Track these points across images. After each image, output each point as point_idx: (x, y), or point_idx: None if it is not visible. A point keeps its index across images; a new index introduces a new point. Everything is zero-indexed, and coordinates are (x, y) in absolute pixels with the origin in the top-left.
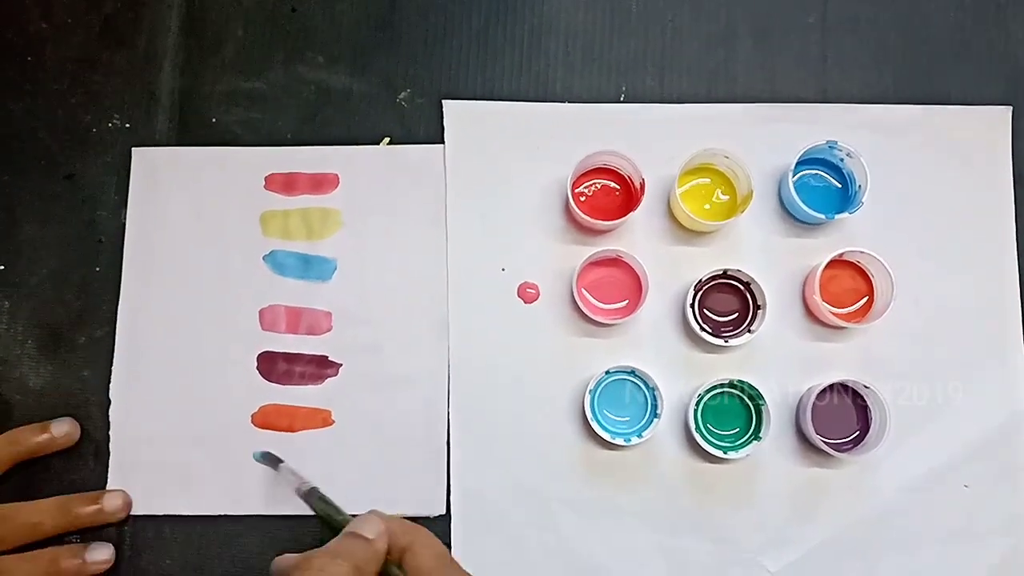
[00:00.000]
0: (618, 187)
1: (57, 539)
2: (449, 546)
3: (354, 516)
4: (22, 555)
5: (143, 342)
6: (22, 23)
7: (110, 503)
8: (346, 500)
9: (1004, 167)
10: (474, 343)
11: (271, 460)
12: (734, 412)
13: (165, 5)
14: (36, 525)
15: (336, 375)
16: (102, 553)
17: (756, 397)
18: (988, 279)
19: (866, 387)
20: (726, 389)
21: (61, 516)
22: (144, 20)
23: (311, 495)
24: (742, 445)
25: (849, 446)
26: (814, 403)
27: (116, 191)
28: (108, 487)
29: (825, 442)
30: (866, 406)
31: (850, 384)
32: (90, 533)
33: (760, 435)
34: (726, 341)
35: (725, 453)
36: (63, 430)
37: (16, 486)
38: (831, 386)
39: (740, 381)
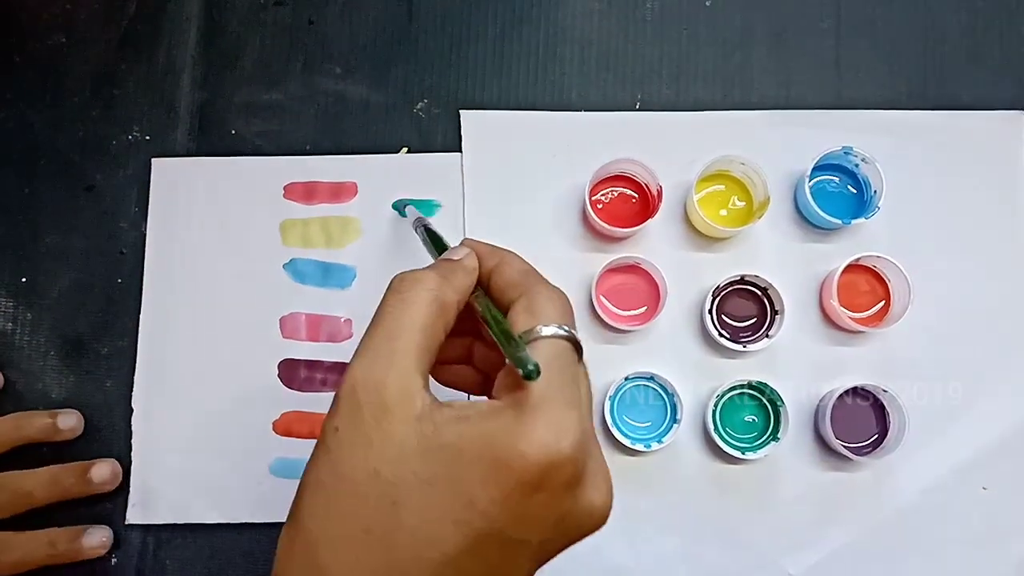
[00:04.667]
0: (635, 194)
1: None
2: None
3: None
4: (23, 534)
5: (164, 352)
6: (42, 37)
7: (98, 473)
8: None
9: (1017, 170)
10: None
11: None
12: (752, 414)
13: (184, 18)
14: (28, 494)
15: None
16: (98, 537)
17: (775, 399)
18: (1005, 281)
19: (884, 390)
20: (744, 390)
21: (52, 486)
22: (163, 33)
23: (418, 224)
24: (760, 446)
25: (868, 449)
26: (833, 407)
27: (136, 203)
28: (130, 496)
29: (845, 446)
30: (885, 409)
31: (869, 388)
32: (116, 543)
33: (778, 436)
34: (744, 346)
35: (743, 454)
36: (69, 424)
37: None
38: (850, 390)
39: (759, 382)
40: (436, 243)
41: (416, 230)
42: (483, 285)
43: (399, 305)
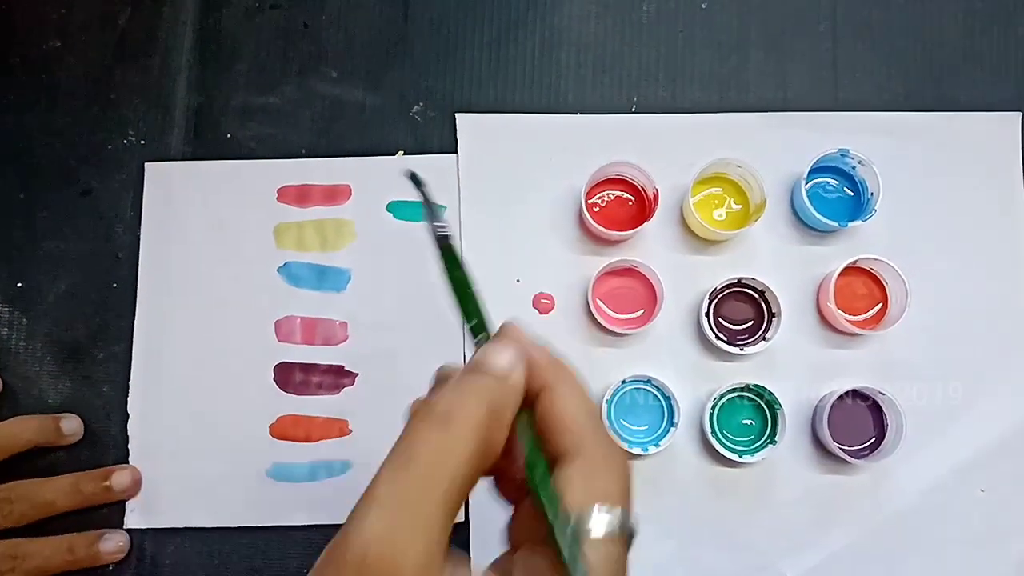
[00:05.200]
0: (631, 197)
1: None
2: (468, 555)
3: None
4: (42, 540)
5: (160, 356)
6: (37, 41)
7: (118, 481)
8: None
9: (1014, 172)
10: None
11: (415, 180)
12: (750, 416)
13: (179, 22)
14: (50, 504)
15: (352, 385)
16: (115, 542)
17: (772, 401)
18: (1002, 283)
19: (882, 393)
20: (742, 393)
21: (74, 495)
22: (158, 37)
23: (440, 231)
24: (757, 449)
25: (866, 452)
26: (830, 410)
27: (132, 207)
28: (127, 501)
29: (842, 448)
30: (882, 412)
31: (866, 391)
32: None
33: (775, 439)
34: (741, 349)
35: (740, 457)
36: (72, 428)
37: None
38: (847, 392)
39: (756, 385)
40: (457, 282)
41: (435, 237)
42: (529, 398)
43: (442, 445)
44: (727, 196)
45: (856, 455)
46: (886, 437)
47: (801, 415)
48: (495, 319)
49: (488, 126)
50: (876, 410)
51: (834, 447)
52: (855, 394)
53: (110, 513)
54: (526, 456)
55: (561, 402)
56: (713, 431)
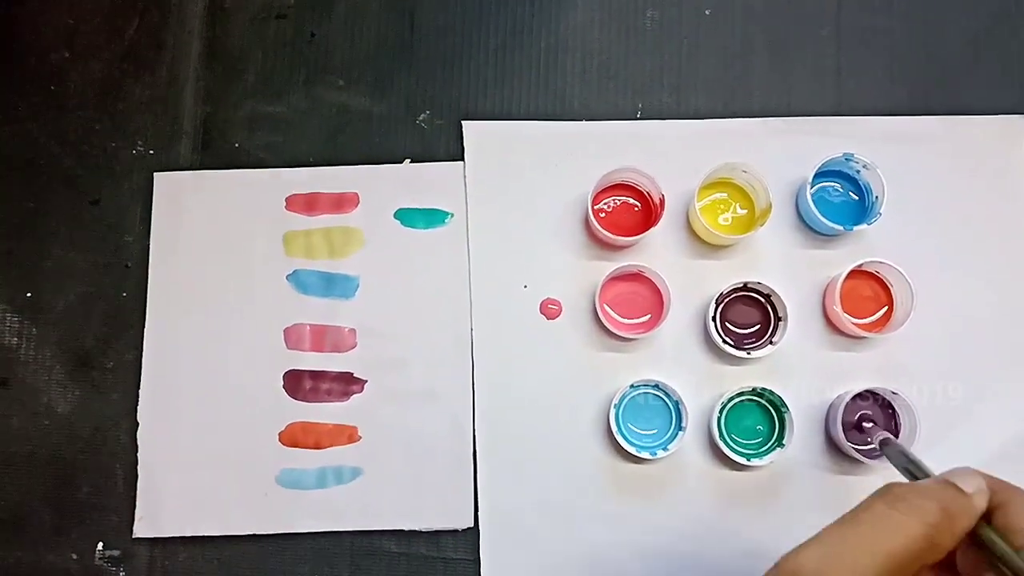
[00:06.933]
0: (638, 203)
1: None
2: (478, 561)
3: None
4: None
5: (170, 364)
6: (46, 52)
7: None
8: (374, 515)
9: (1019, 174)
10: (498, 360)
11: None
12: (757, 420)
13: (186, 32)
14: None
15: (361, 392)
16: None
17: (779, 404)
18: (1007, 286)
19: (894, 393)
20: (749, 397)
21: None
22: (166, 47)
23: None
24: (765, 452)
25: (879, 454)
26: (844, 411)
27: (141, 216)
28: (137, 509)
29: (856, 449)
30: (894, 413)
31: (878, 391)
32: (124, 558)
33: (783, 442)
34: (748, 353)
35: (749, 460)
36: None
37: (46, 504)
38: (859, 394)
39: (763, 388)
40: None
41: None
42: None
43: (885, 520)
44: (733, 201)
45: (870, 455)
46: (899, 437)
47: (809, 418)
48: (502, 325)
49: (494, 133)
50: (888, 411)
51: (848, 448)
52: (868, 395)
53: (120, 521)
54: (1000, 555)
55: (1014, 513)
56: (721, 435)
